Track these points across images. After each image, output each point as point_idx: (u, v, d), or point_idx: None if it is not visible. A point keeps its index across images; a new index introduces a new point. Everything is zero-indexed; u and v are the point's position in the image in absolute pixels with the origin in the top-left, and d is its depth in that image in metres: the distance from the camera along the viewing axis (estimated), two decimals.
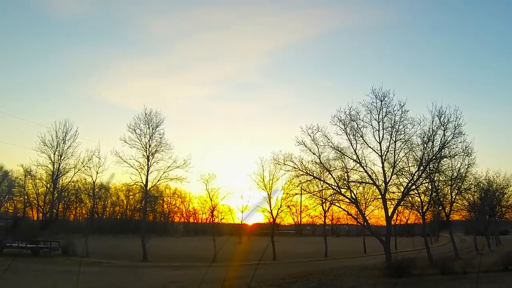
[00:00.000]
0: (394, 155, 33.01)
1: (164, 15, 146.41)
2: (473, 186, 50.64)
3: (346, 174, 34.46)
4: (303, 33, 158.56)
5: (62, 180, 51.96)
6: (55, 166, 49.20)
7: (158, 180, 46.86)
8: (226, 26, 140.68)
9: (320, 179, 35.63)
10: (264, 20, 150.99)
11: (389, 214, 34.31)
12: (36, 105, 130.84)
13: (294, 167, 35.61)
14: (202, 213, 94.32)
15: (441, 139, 33.58)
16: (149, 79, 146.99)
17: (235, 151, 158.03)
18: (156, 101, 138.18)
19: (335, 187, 34.77)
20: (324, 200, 41.18)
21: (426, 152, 33.89)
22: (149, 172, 45.31)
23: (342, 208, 38.53)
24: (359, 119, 33.25)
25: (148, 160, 45.11)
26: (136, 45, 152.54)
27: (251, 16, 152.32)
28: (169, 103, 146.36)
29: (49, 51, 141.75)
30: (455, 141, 33.90)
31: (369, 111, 33.12)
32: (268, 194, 49.55)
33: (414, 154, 34.77)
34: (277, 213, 51.71)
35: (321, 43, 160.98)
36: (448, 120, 33.19)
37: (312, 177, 35.38)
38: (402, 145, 33.30)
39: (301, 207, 57.62)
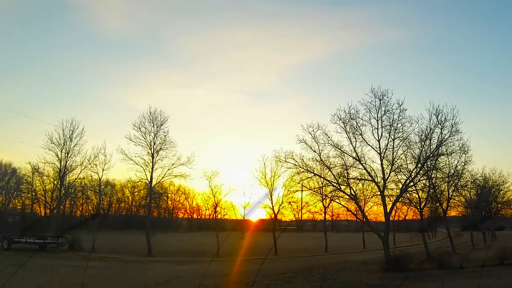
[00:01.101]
0: (393, 153, 32.98)
1: (197, 35, 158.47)
2: (469, 183, 50.63)
3: (345, 171, 34.44)
4: (315, 53, 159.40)
5: (69, 177, 51.98)
6: (62, 164, 49.21)
7: (163, 177, 47.04)
8: (253, 44, 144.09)
9: (320, 176, 35.69)
10: (285, 40, 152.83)
11: (388, 210, 34.23)
12: (70, 110, 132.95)
13: (295, 164, 35.60)
14: (206, 209, 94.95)
15: (438, 137, 33.61)
16: (177, 88, 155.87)
17: (239, 149, 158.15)
18: (178, 107, 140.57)
19: (335, 184, 34.73)
20: (324, 197, 41.12)
21: (423, 149, 33.89)
22: (154, 169, 45.46)
23: (342, 204, 38.47)
24: (359, 118, 33.18)
25: (152, 158, 45.23)
26: (170, 60, 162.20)
27: (274, 37, 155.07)
28: (191, 109, 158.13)
29: (93, 65, 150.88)
30: (452, 139, 34.03)
31: (368, 110, 33.04)
32: (269, 190, 49.63)
33: (412, 152, 34.80)
34: (279, 209, 51.81)
35: (332, 61, 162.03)
36: (445, 118, 33.22)
37: (312, 174, 35.42)
38: (401, 143, 33.27)
39: (302, 203, 57.53)
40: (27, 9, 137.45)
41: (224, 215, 72.09)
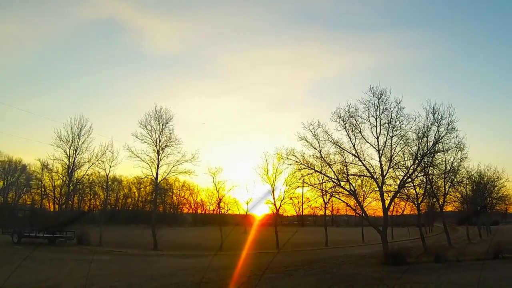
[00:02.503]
0: (391, 150, 33.09)
1: (234, 54, 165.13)
2: (465, 179, 50.67)
3: (345, 167, 34.53)
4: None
5: (77, 173, 52.10)
6: (70, 160, 49.29)
7: (168, 174, 47.09)
8: (282, 62, 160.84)
9: (321, 173, 35.76)
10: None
11: (386, 205, 34.26)
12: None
13: (296, 161, 35.77)
14: (209, 205, 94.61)
15: (435, 135, 33.65)
16: (209, 97, 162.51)
17: (243, 146, 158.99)
18: (206, 113, 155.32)
19: (335, 180, 34.84)
20: (324, 192, 41.27)
21: (421, 147, 33.92)
22: (159, 166, 45.47)
23: (341, 200, 38.51)
24: (358, 116, 33.39)
25: (158, 155, 45.25)
26: (208, 74, 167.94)
27: (300, 57, 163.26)
28: (220, 114, 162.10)
29: (138, 77, 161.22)
30: (448, 136, 33.99)
31: (367, 108, 33.23)
32: (271, 186, 49.65)
33: (410, 149, 34.86)
34: (280, 205, 51.85)
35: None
36: (441, 116, 33.34)
37: (313, 171, 35.51)
38: (398, 140, 33.39)
39: (303, 199, 57.48)
40: (89, 32, 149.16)
41: (227, 210, 72.28)
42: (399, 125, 32.96)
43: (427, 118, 33.60)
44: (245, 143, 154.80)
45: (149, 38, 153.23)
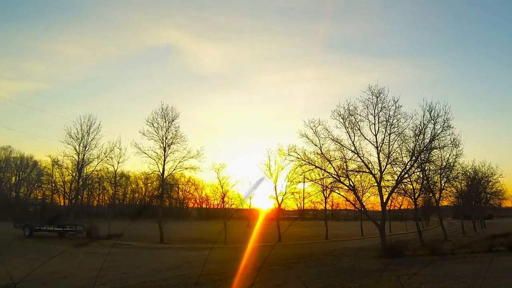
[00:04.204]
0: (389, 147, 33.10)
1: (272, 73, 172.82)
2: (460, 174, 50.80)
3: (345, 163, 34.57)
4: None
5: (86, 169, 52.24)
6: (80, 157, 49.48)
7: (174, 169, 47.04)
8: (311, 79, 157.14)
9: (321, 168, 35.83)
10: None
11: (384, 200, 34.31)
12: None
13: (298, 158, 35.84)
14: (214, 199, 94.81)
15: (431, 132, 33.76)
16: (236, 106, 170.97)
17: (246, 143, 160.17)
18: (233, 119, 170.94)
19: (335, 176, 34.87)
20: (325, 187, 41.19)
21: (417, 143, 33.93)
22: (166, 162, 45.49)
23: (341, 195, 38.50)
24: (357, 114, 33.41)
25: (164, 151, 45.27)
26: (246, 89, 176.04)
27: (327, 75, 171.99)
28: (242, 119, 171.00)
29: (188, 89, 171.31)
30: (444, 133, 34.17)
31: (366, 107, 33.26)
32: (274, 182, 49.70)
33: (407, 146, 34.80)
34: (282, 199, 51.85)
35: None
36: (437, 114, 33.48)
37: (314, 167, 35.64)
38: (396, 137, 33.37)
39: (304, 194, 57.41)
40: (150, 55, 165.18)
41: (231, 205, 72.20)
42: (396, 123, 33.01)
43: (423, 116, 33.75)
44: (249, 140, 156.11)
45: (199, 59, 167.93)
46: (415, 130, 33.97)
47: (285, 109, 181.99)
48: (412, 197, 43.87)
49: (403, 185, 38.69)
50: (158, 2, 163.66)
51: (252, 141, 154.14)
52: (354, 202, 38.15)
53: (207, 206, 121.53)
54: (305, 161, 35.43)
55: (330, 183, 37.17)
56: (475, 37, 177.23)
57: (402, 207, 69.57)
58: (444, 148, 37.55)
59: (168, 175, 48.03)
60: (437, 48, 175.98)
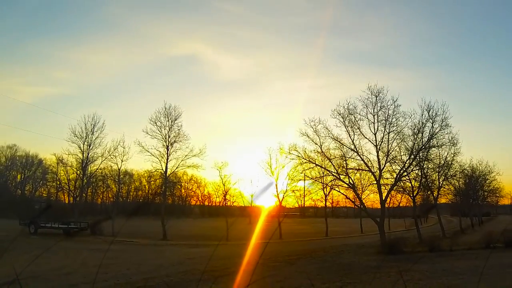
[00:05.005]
0: (388, 145, 33.20)
1: (284, 81, 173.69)
2: (458, 172, 50.60)
3: (344, 162, 34.65)
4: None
5: (90, 167, 52.11)
6: (84, 155, 49.33)
7: (177, 167, 47.11)
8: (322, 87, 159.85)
9: (321, 167, 35.95)
10: None
11: (383, 198, 34.44)
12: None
13: (298, 156, 35.91)
14: (216, 197, 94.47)
15: (429, 131, 33.96)
16: (244, 109, 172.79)
17: (248, 142, 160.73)
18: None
19: (335, 174, 34.95)
20: (325, 185, 41.35)
21: (416, 142, 34.06)
22: (169, 160, 45.58)
23: (341, 192, 38.60)
24: (356, 113, 33.57)
25: (167, 150, 45.33)
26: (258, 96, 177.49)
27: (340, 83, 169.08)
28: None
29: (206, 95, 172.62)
30: (442, 132, 34.36)
31: (365, 106, 33.42)
32: (275, 180, 49.72)
33: (406, 144, 34.88)
34: (283, 197, 51.85)
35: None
36: (436, 113, 33.75)
37: (314, 165, 35.74)
38: (395, 136, 33.51)
39: (304, 192, 57.57)
40: (173, 63, 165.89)
41: (233, 202, 72.23)
42: (395, 122, 33.21)
43: (422, 115, 34.03)
44: (251, 140, 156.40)
45: (217, 67, 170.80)
46: (414, 129, 34.18)
47: (289, 112, 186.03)
48: (411, 195, 43.77)
49: (401, 183, 38.61)
50: (186, 19, 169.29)
51: (255, 141, 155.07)
52: (353, 200, 38.21)
53: (209, 204, 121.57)
54: (305, 159, 35.54)
55: (330, 181, 37.33)
56: (470, 48, 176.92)
57: (401, 205, 69.47)
58: (442, 147, 37.65)
59: (171, 173, 48.04)
60: (438, 59, 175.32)
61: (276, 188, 49.79)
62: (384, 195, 34.57)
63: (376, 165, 33.63)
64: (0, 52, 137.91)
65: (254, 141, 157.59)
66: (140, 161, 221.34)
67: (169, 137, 45.43)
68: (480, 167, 59.89)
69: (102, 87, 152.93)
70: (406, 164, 34.06)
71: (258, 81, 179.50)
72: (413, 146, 33.97)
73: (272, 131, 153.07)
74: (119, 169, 51.49)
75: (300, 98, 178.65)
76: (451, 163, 44.79)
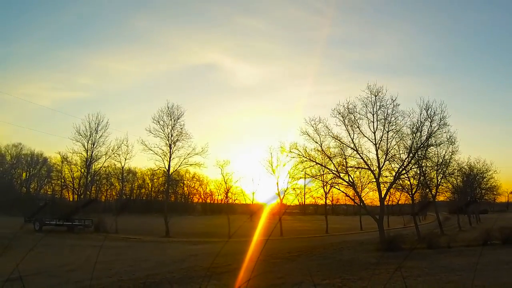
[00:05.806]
0: (387, 144, 33.24)
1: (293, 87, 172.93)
2: (456, 171, 50.73)
3: (344, 160, 34.70)
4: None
5: (94, 166, 52.33)
6: (88, 153, 49.55)
7: (179, 166, 47.22)
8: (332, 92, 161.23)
9: (321, 165, 35.91)
10: None
11: (382, 195, 34.43)
12: None
13: (299, 154, 35.98)
14: (218, 195, 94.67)
15: (428, 130, 33.99)
16: (270, 115, 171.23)
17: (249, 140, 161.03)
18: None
19: (335, 172, 34.96)
20: (325, 183, 41.30)
21: (415, 141, 34.11)
22: (171, 158, 45.69)
23: (341, 190, 38.64)
24: (356, 112, 33.61)
25: (170, 148, 45.40)
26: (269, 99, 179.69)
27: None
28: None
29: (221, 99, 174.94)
30: (440, 131, 34.45)
31: (364, 105, 33.44)
32: (276, 178, 49.73)
33: (404, 143, 34.90)
34: (284, 195, 51.85)
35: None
36: (434, 113, 33.85)
37: (314, 163, 35.72)
38: (394, 135, 33.51)
39: (305, 189, 57.41)
40: (192, 71, 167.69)
41: (234, 200, 72.28)
42: (394, 121, 33.21)
43: (420, 114, 34.12)
44: (252, 137, 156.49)
45: (234, 75, 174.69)
46: (413, 127, 34.25)
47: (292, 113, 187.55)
48: (410, 193, 43.74)
49: (400, 181, 38.59)
50: (208, 30, 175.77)
51: (258, 141, 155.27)
52: (353, 197, 38.26)
53: (211, 201, 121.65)
54: (306, 157, 35.60)
55: (330, 179, 37.25)
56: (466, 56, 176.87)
57: (399, 202, 69.44)
58: (441, 145, 37.68)
59: (173, 171, 48.15)
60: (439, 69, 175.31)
61: (277, 186, 49.87)
62: (383, 193, 34.61)
63: (375, 163, 33.71)
64: (33, 59, 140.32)
65: (258, 141, 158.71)
66: (144, 159, 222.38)
67: (171, 135, 45.54)
68: (478, 165, 60.01)
69: (120, 92, 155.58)
70: (405, 162, 34.08)
71: (271, 87, 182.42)
72: (411, 145, 34.01)
73: (277, 132, 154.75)
74: (122, 167, 51.87)
75: (302, 101, 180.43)
76: (449, 162, 44.87)
